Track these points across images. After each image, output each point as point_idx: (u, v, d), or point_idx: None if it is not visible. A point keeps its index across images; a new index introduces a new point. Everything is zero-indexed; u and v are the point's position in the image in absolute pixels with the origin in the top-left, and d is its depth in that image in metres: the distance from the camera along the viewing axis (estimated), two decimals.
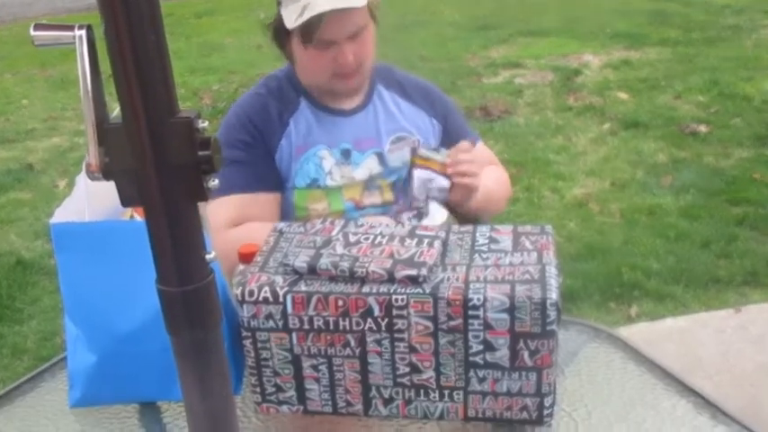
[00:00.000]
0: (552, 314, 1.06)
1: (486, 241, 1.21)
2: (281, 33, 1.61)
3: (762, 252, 3.09)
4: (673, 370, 1.24)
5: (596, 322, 2.54)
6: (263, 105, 1.65)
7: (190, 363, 0.63)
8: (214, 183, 0.61)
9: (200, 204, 0.64)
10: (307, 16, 1.50)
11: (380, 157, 1.66)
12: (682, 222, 3.36)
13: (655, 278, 2.96)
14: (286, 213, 1.64)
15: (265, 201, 1.62)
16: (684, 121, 4.43)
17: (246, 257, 1.24)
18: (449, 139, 1.75)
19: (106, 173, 0.58)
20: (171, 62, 0.56)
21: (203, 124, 0.58)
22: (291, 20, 1.53)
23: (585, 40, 6.08)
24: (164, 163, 0.57)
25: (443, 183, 1.61)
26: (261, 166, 1.62)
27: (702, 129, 4.30)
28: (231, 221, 1.58)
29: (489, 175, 1.70)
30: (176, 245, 0.60)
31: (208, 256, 0.62)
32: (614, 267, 3.03)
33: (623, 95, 4.91)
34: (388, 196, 1.67)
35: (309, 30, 1.53)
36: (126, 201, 0.59)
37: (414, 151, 1.64)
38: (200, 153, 0.58)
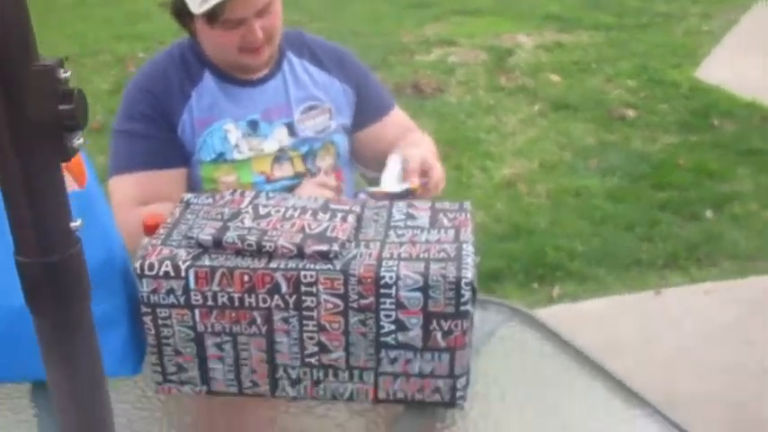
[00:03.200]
0: (467, 294, 1.02)
1: (403, 217, 1.17)
2: (182, 14, 1.51)
3: (683, 236, 3.14)
4: (588, 352, 1.22)
5: (517, 302, 2.55)
6: (164, 76, 1.57)
7: (54, 342, 0.57)
8: (79, 141, 0.54)
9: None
10: (212, 2, 1.42)
11: (290, 128, 1.60)
12: (607, 205, 3.38)
13: (578, 259, 2.98)
14: (194, 187, 1.56)
15: (170, 177, 1.55)
16: (613, 105, 4.47)
17: (151, 229, 1.17)
18: (363, 104, 1.69)
19: None
20: (27, 6, 0.49)
21: (66, 74, 0.51)
22: (196, 4, 1.44)
23: (519, 20, 6.08)
24: (19, 117, 0.50)
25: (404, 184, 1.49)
26: (162, 139, 1.54)
27: (630, 113, 4.34)
28: (135, 199, 1.50)
29: (430, 153, 1.62)
30: (36, 211, 0.53)
31: (73, 225, 0.56)
32: (539, 248, 3.03)
33: (555, 77, 4.93)
34: (300, 167, 1.61)
35: (215, 12, 1.44)
36: None
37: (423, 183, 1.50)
38: (62, 107, 0.51)
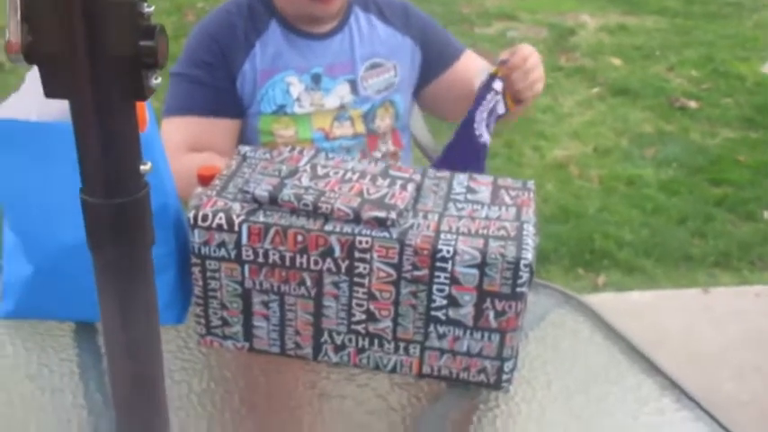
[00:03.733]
0: (525, 275, 0.99)
1: (464, 190, 1.13)
2: None
3: (736, 235, 3.05)
4: (641, 347, 1.18)
5: (564, 287, 2.52)
6: (229, 24, 1.54)
7: (111, 288, 0.55)
8: (156, 81, 0.51)
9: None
10: None
11: (353, 85, 1.56)
12: (660, 196, 3.30)
13: (626, 249, 2.91)
14: (250, 139, 1.55)
15: (223, 126, 1.53)
16: (675, 94, 4.34)
17: (206, 180, 1.15)
18: (431, 55, 1.66)
19: (29, 55, 0.48)
20: None
21: (149, 9, 0.49)
22: None
23: (583, 0, 5.94)
24: (98, 51, 0.47)
25: (501, 108, 1.47)
26: (221, 89, 1.52)
27: (692, 104, 4.22)
28: (186, 144, 1.49)
29: None
30: (107, 150, 0.50)
31: (143, 167, 0.53)
32: (587, 233, 2.97)
33: (616, 61, 4.81)
34: (360, 128, 1.58)
35: None
36: (51, 92, 0.50)
37: (503, 62, 1.45)
38: (143, 43, 0.48)
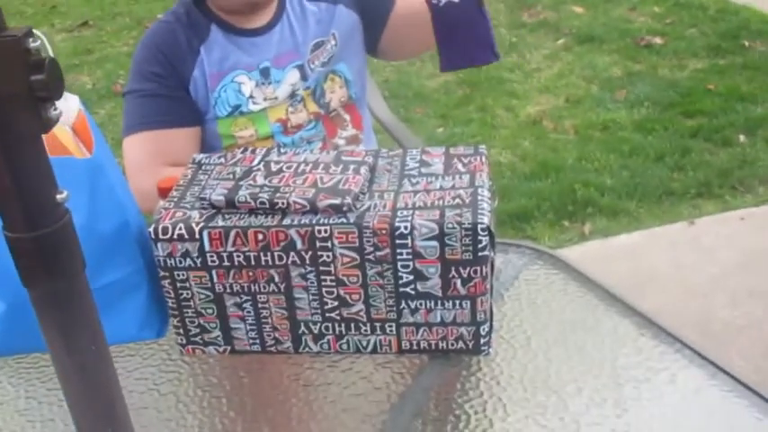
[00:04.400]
0: (484, 239, 1.00)
1: (417, 165, 1.14)
2: None
3: (715, 163, 3.07)
4: (614, 290, 1.20)
5: (547, 242, 2.52)
6: (171, 33, 1.55)
7: (51, 316, 0.56)
8: (55, 111, 0.52)
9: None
10: None
11: (302, 70, 1.58)
12: (636, 136, 3.32)
13: (608, 194, 2.93)
14: (212, 145, 1.56)
15: (183, 135, 1.54)
16: (639, 33, 4.35)
17: (165, 192, 1.16)
18: (368, 7, 1.66)
19: None
20: None
21: (35, 43, 0.50)
22: None
23: None
24: None
25: None
26: (174, 98, 1.53)
27: (658, 40, 4.22)
28: (149, 159, 1.50)
29: None
30: (19, 185, 0.51)
31: (59, 196, 0.54)
32: (568, 185, 2.99)
33: (578, 9, 4.80)
34: (312, 107, 1.60)
35: None
36: None
37: None
38: (34, 78, 0.49)
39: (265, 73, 1.55)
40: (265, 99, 1.55)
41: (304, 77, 1.58)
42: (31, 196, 0.53)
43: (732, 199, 2.86)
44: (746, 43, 4.05)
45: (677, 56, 4.03)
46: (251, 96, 1.54)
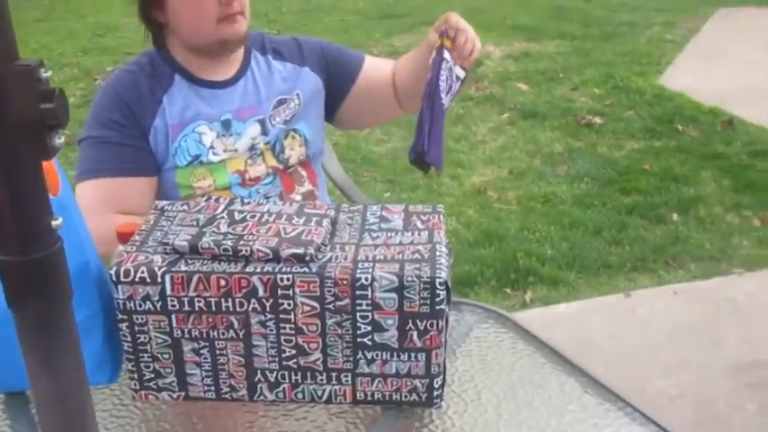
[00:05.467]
0: (441, 293, 1.04)
1: (377, 220, 1.18)
2: (152, 7, 1.55)
3: (650, 239, 3.19)
4: (561, 349, 1.24)
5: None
6: (134, 82, 1.57)
7: (35, 341, 0.57)
8: (60, 140, 0.55)
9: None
10: None
11: (263, 124, 1.62)
12: (575, 210, 3.43)
13: (549, 264, 3.01)
14: (169, 195, 1.57)
15: (140, 184, 1.55)
16: (580, 112, 4.54)
17: (125, 237, 1.17)
18: (334, 74, 1.72)
19: None
20: (7, 4, 0.50)
21: (46, 74, 0.52)
22: None
23: (488, 31, 6.13)
24: (1, 116, 0.51)
25: (460, 72, 1.53)
26: (133, 146, 1.55)
27: (597, 120, 4.41)
28: (103, 205, 1.50)
29: None
30: (17, 208, 0.53)
31: (54, 223, 0.56)
32: (510, 254, 3.07)
33: (523, 86, 4.99)
34: (271, 161, 1.63)
35: None
36: None
37: (444, 33, 1.51)
38: (43, 106, 0.52)
39: (227, 125, 1.58)
40: (225, 150, 1.58)
41: (264, 132, 1.61)
42: (29, 220, 0.54)
43: (666, 274, 2.97)
44: (680, 127, 4.26)
45: (615, 136, 4.21)
46: (211, 147, 1.57)
